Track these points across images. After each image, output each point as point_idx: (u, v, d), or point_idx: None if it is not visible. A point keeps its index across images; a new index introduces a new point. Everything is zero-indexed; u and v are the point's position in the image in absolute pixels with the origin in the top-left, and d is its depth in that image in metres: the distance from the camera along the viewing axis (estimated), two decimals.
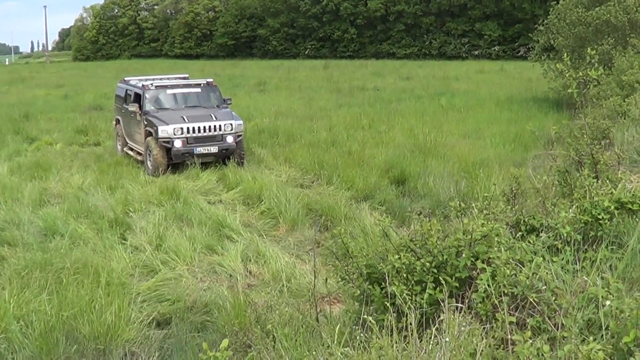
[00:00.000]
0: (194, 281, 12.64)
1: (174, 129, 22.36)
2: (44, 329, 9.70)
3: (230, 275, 12.86)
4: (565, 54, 12.98)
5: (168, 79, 27.18)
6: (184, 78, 27.51)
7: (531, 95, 40.75)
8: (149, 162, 22.76)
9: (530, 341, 4.35)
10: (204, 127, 22.70)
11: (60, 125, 33.68)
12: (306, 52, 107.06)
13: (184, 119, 22.82)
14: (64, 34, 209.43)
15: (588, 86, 10.52)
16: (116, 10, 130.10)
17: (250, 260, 13.53)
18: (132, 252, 14.02)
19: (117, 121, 26.84)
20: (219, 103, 24.86)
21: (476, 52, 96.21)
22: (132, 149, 25.20)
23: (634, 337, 4.50)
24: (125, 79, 27.86)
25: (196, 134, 22.61)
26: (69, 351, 9.40)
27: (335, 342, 5.95)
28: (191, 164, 22.11)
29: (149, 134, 23.06)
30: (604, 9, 33.53)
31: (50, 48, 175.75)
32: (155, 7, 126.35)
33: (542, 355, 4.31)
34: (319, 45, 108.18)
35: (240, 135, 23.52)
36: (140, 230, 15.46)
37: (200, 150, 22.60)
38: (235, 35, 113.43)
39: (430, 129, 26.20)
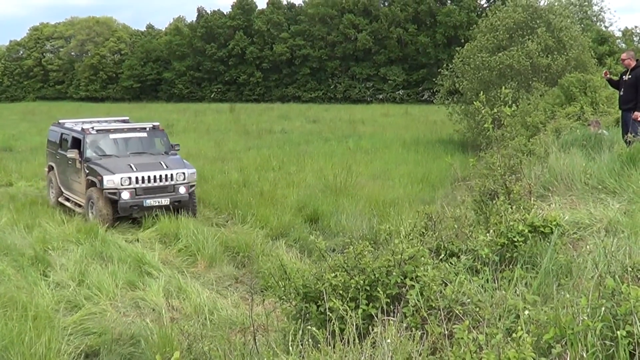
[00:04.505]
0: (118, 315, 12.91)
1: (121, 178, 20.34)
2: None
3: (153, 309, 13.15)
4: (481, 92, 13.70)
5: (107, 121, 25.13)
6: (124, 121, 25.46)
7: (436, 138, 41.92)
8: (91, 216, 20.66)
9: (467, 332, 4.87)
10: (155, 176, 20.78)
11: None
12: (212, 96, 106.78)
13: (131, 167, 20.79)
14: None
15: (501, 122, 11.22)
16: (21, 52, 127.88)
17: (172, 295, 13.84)
18: (55, 288, 14.15)
19: (50, 168, 24.47)
20: (167, 149, 22.92)
21: (381, 96, 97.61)
22: (68, 200, 22.97)
23: (554, 334, 5.11)
24: (60, 121, 25.42)
25: (146, 184, 20.62)
26: None
27: (279, 351, 6.40)
28: (141, 217, 20.46)
29: (91, 183, 20.98)
30: (507, 54, 34.84)
31: None
32: (61, 49, 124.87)
33: (478, 343, 4.84)
34: (225, 88, 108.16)
35: (193, 186, 21.71)
36: (61, 267, 15.54)
37: (151, 202, 20.57)
38: (141, 78, 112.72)
39: (340, 170, 26.62)
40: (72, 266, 15.42)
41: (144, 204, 20.47)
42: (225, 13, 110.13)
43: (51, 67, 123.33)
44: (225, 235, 18.59)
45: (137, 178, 20.51)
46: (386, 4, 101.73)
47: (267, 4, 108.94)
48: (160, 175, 20.81)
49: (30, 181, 27.99)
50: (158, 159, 21.79)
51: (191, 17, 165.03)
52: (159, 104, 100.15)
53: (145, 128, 23.12)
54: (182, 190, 20.99)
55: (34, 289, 13.72)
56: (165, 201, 20.67)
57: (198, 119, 62.24)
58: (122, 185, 20.27)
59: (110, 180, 20.24)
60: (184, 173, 21.21)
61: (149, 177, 20.67)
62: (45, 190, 25.41)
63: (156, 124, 23.59)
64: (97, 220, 19.87)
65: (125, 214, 20.54)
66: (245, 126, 53.20)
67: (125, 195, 20.27)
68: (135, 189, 20.43)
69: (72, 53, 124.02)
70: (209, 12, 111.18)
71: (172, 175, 20.96)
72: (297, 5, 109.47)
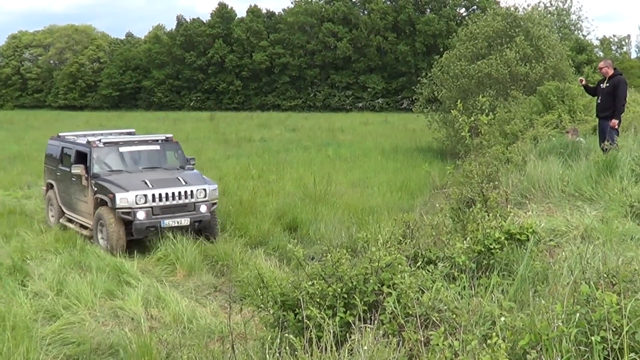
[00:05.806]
0: (96, 325, 12.88)
1: (136, 196, 18.36)
2: None
3: (132, 319, 13.12)
4: (458, 100, 13.74)
5: (111, 134, 23.05)
6: (131, 133, 23.32)
7: (415, 146, 42.04)
8: (100, 238, 18.83)
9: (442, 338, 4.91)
10: (173, 193, 18.81)
11: None
12: (191, 104, 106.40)
13: (146, 184, 18.81)
14: None
15: (479, 130, 11.33)
16: None
17: (150, 304, 13.81)
18: (33, 298, 14.11)
19: (50, 186, 22.35)
20: (182, 163, 21.05)
21: (360, 105, 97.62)
22: (71, 221, 21.04)
23: (529, 340, 5.16)
24: (60, 134, 23.00)
25: (163, 203, 18.64)
26: None
27: (257, 359, 6.42)
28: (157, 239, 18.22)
29: (101, 202, 19.05)
30: (486, 62, 34.96)
31: None
32: (39, 57, 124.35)
33: (454, 349, 4.88)
34: (204, 97, 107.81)
35: (215, 203, 19.88)
36: (40, 277, 15.47)
37: (169, 222, 18.56)
38: (120, 87, 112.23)
39: (319, 178, 26.60)
40: (51, 276, 15.34)
41: (162, 225, 18.51)
42: (204, 21, 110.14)
43: (29, 75, 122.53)
44: (204, 244, 18.51)
45: (153, 196, 18.59)
46: (366, 12, 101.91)
47: (247, 12, 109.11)
48: (179, 193, 18.90)
49: (8, 190, 27.83)
50: (175, 174, 19.96)
51: (171, 25, 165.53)
52: (138, 112, 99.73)
53: (157, 140, 21.26)
54: (203, 208, 19.12)
55: (12, 298, 13.66)
56: (185, 221, 18.80)
57: (177, 127, 61.99)
58: (137, 203, 18.35)
59: (124, 199, 18.31)
60: (204, 190, 19.35)
61: (166, 194, 18.74)
62: (24, 200, 25.34)
63: (169, 135, 21.74)
64: (107, 245, 18.33)
65: (140, 236, 18.66)
66: (225, 135, 53.09)
67: (141, 215, 18.36)
68: (151, 207, 18.50)
69: (51, 61, 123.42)
70: (189, 21, 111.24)
71: (192, 192, 19.09)
72: (276, 13, 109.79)
